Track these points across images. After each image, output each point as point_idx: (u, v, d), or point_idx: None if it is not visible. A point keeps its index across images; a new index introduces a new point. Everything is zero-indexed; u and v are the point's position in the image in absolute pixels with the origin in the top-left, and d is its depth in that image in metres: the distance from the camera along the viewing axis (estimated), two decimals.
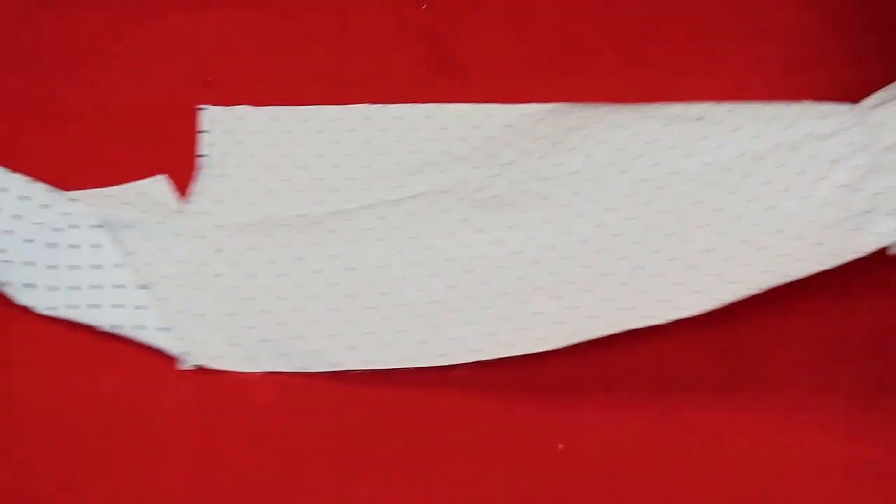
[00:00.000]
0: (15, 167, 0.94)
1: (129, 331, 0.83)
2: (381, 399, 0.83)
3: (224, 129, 0.94)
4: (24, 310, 0.86)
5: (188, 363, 0.83)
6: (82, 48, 1.01)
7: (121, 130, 0.96)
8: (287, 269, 0.86)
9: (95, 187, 0.92)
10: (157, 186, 0.90)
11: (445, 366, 0.83)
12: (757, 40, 1.01)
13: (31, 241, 0.84)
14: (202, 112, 0.94)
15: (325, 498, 0.79)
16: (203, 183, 0.91)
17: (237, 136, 0.93)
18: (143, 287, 0.84)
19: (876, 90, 0.85)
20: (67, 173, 0.93)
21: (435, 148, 0.93)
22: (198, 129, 0.92)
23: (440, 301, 0.85)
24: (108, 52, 1.01)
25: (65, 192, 0.87)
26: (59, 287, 0.84)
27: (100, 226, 0.85)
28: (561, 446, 0.81)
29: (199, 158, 0.92)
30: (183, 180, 0.92)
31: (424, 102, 0.96)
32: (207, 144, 0.93)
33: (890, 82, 0.86)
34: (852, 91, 0.87)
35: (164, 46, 1.01)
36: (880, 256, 0.85)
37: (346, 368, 0.83)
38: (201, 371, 0.84)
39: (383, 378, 0.83)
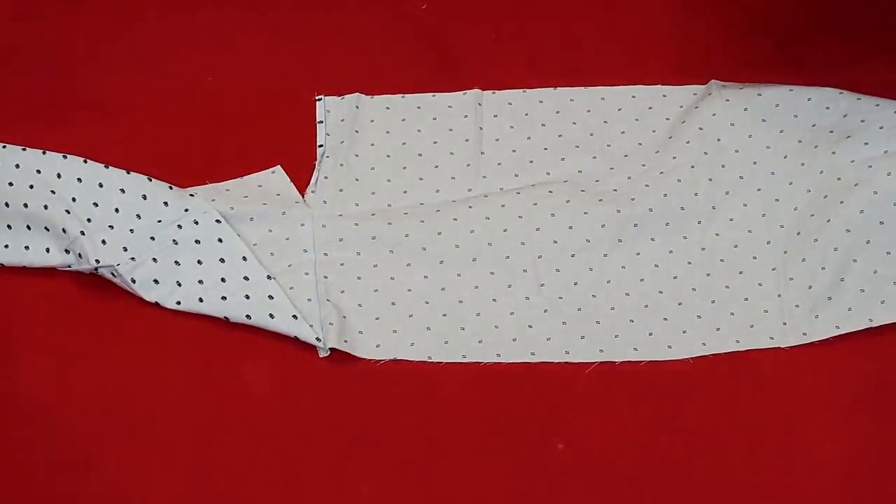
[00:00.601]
0: None
1: (260, 320, 0.84)
2: (381, 399, 0.83)
3: (340, 118, 0.95)
4: (24, 310, 0.86)
5: (322, 349, 0.84)
6: (82, 48, 1.01)
7: (121, 130, 0.96)
8: (411, 259, 0.87)
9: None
10: (275, 178, 0.92)
11: (446, 366, 0.84)
12: (757, 41, 1.01)
13: (154, 238, 0.86)
14: (319, 102, 0.96)
15: (325, 498, 0.79)
16: (322, 172, 0.92)
17: (353, 125, 0.95)
18: (271, 277, 0.85)
19: None
20: None
21: (549, 132, 0.94)
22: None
23: (565, 298, 0.86)
24: (108, 52, 1.01)
25: (183, 189, 0.88)
26: (185, 282, 0.85)
27: (220, 220, 0.86)
28: (561, 446, 0.81)
29: (318, 148, 0.93)
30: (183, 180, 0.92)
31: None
32: (324, 134, 0.94)
33: None
34: None
35: (164, 46, 1.01)
36: None
37: (474, 360, 0.84)
38: (200, 370, 0.84)
39: (383, 378, 0.83)
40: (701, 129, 0.91)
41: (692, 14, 1.00)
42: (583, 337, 0.84)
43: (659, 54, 0.99)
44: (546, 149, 0.93)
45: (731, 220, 0.88)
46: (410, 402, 0.83)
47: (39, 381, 0.84)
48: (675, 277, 0.86)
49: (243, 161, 0.92)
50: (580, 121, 0.94)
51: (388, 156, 0.93)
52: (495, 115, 0.95)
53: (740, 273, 0.86)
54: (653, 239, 0.87)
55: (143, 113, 0.97)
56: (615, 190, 0.89)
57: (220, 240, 0.86)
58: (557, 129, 0.94)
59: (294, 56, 0.99)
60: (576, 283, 0.86)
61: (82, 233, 0.84)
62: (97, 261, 0.83)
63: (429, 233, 0.87)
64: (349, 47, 0.99)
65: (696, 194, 0.88)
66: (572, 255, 0.87)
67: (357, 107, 0.95)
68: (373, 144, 0.93)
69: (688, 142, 0.91)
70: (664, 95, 0.95)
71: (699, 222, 0.88)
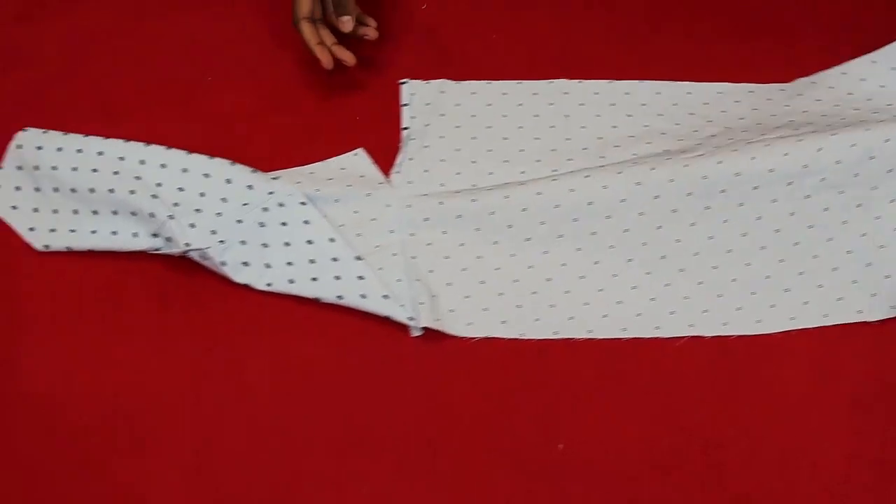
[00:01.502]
0: None
1: (351, 300, 0.85)
2: (380, 399, 0.83)
3: (425, 101, 0.96)
4: (24, 310, 0.86)
5: (414, 329, 0.84)
6: (82, 48, 1.01)
7: (121, 130, 0.96)
8: (497, 237, 0.88)
9: None
10: (358, 160, 0.92)
11: (447, 367, 0.84)
12: (757, 40, 1.01)
13: (241, 221, 0.86)
14: (403, 86, 0.97)
15: (325, 498, 0.79)
16: (407, 154, 0.93)
17: (438, 109, 0.96)
18: (359, 258, 0.85)
19: None
20: None
21: (636, 123, 0.95)
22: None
23: (653, 273, 0.86)
24: (109, 52, 1.01)
25: (266, 173, 0.88)
26: (274, 263, 0.86)
27: (305, 202, 0.87)
28: (561, 446, 0.80)
29: (403, 130, 0.94)
30: None
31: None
32: (409, 117, 0.95)
33: None
34: None
35: (164, 46, 1.01)
36: None
37: (566, 336, 0.84)
38: (202, 370, 0.84)
39: (383, 378, 0.83)
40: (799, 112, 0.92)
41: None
42: (672, 312, 0.85)
43: (658, 54, 0.99)
44: (632, 136, 0.94)
45: (823, 179, 0.86)
46: (410, 403, 0.82)
47: (39, 380, 0.84)
48: (763, 248, 0.86)
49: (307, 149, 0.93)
50: (667, 113, 0.95)
51: (474, 138, 0.94)
52: (581, 104, 0.96)
53: (829, 240, 0.86)
54: (741, 204, 0.86)
55: (144, 113, 0.97)
56: (701, 155, 0.88)
57: (306, 222, 0.86)
58: (644, 119, 0.95)
59: (294, 56, 0.99)
60: (663, 257, 0.86)
61: (170, 217, 0.85)
62: (187, 244, 0.85)
63: (514, 210, 0.88)
64: (349, 47, 0.99)
65: (785, 154, 0.86)
66: (658, 228, 0.87)
67: (442, 91, 0.96)
68: (458, 127, 0.95)
69: (778, 126, 0.91)
70: (751, 91, 0.96)
71: (789, 184, 0.86)
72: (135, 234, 0.87)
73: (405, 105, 0.96)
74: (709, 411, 0.81)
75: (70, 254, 0.89)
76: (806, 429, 0.81)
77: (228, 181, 0.86)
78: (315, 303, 0.86)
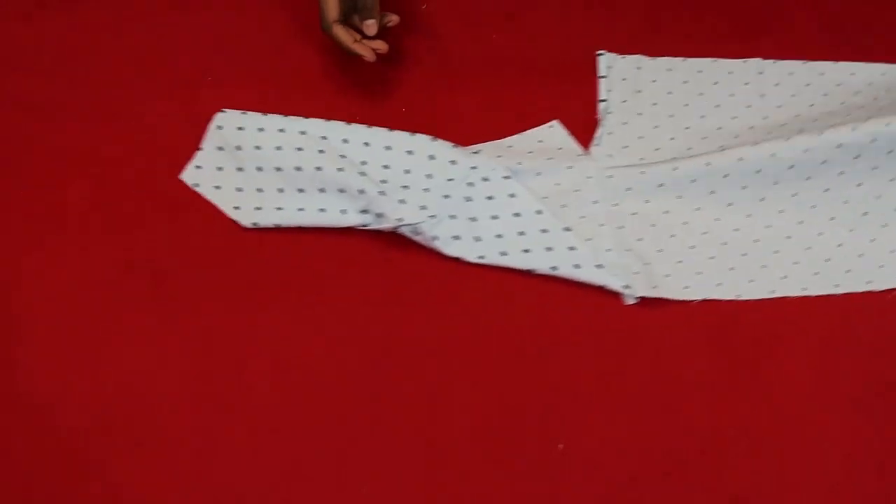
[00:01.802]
0: (15, 166, 0.94)
1: (565, 271, 0.86)
2: (380, 399, 0.83)
3: (622, 77, 0.98)
4: (26, 309, 0.86)
5: (629, 297, 0.86)
6: (82, 48, 1.01)
7: (121, 130, 0.96)
8: (700, 203, 0.90)
9: (97, 184, 0.92)
10: (554, 133, 0.94)
11: (446, 366, 0.84)
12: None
13: (448, 196, 0.88)
14: (600, 58, 0.98)
15: (325, 498, 0.79)
16: (606, 128, 0.94)
17: (635, 85, 0.97)
18: (568, 229, 0.86)
19: None
20: (67, 172, 0.94)
21: (831, 101, 0.96)
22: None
23: (856, 230, 0.88)
24: (109, 52, 1.01)
25: (466, 148, 0.90)
26: (483, 237, 0.87)
27: (509, 176, 0.88)
28: (561, 446, 0.80)
29: (600, 103, 0.96)
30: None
31: (421, 103, 0.96)
32: (606, 90, 0.97)
33: None
34: None
35: (164, 46, 1.01)
36: None
37: (783, 295, 0.86)
38: (202, 370, 0.84)
39: (383, 378, 0.83)
40: None
41: None
42: (881, 266, 0.87)
43: (664, 51, 0.99)
44: (831, 112, 0.95)
45: None
46: (410, 403, 0.82)
47: (39, 380, 0.84)
48: (865, 214, 0.89)
49: None
50: (864, 91, 0.96)
51: (671, 115, 0.96)
52: (776, 84, 0.97)
53: None
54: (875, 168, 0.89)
55: (144, 112, 0.97)
56: (891, 152, 0.89)
57: (511, 195, 0.88)
58: (840, 98, 0.96)
59: (294, 56, 0.99)
60: (865, 214, 0.89)
61: (381, 193, 0.86)
62: (399, 219, 0.86)
63: (716, 177, 0.89)
64: None
65: None
66: (859, 185, 0.89)
67: (639, 67, 0.98)
68: (655, 104, 0.96)
69: None
70: None
71: None
72: (343, 211, 0.88)
73: (602, 77, 0.98)
74: (709, 411, 0.81)
75: (66, 254, 0.89)
76: (806, 429, 0.81)
77: (432, 157, 0.88)
78: (321, 299, 0.86)
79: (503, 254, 0.87)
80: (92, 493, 0.80)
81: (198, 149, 0.93)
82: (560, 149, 0.92)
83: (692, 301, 0.86)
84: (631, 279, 0.86)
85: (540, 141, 0.93)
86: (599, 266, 0.85)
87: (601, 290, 0.86)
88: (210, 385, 0.83)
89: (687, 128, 0.95)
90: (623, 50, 1.00)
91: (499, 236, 0.87)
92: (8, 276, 0.88)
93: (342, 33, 0.92)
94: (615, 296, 0.86)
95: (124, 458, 0.80)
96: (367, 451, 0.81)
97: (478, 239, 0.87)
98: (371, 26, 0.91)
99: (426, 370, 0.84)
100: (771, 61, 0.98)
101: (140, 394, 0.83)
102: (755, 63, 0.98)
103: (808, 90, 0.97)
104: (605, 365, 0.84)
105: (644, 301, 0.86)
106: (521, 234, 0.87)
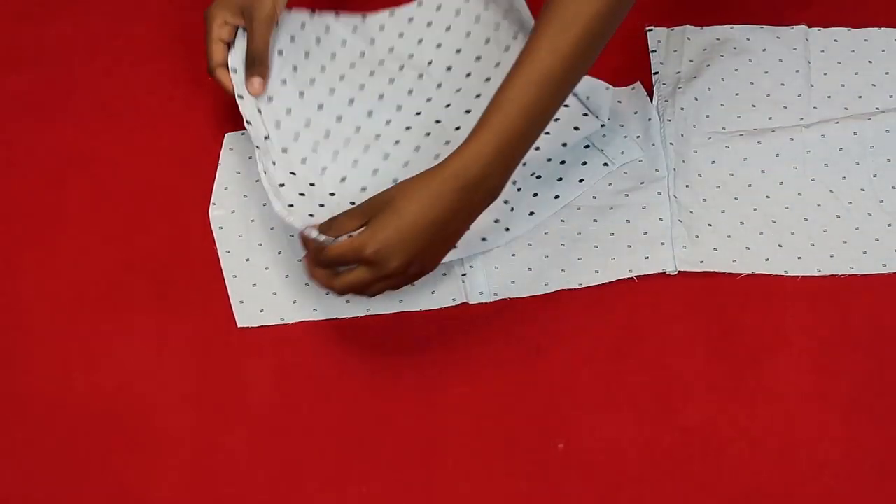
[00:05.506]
0: (15, 166, 0.94)
1: (616, 239, 0.88)
2: (381, 399, 0.83)
3: (672, 48, 0.99)
4: (26, 309, 0.86)
5: (671, 271, 0.86)
6: (82, 48, 1.01)
7: (121, 130, 0.96)
8: (752, 181, 0.91)
9: (94, 185, 0.92)
10: (635, 95, 0.96)
11: (446, 367, 0.84)
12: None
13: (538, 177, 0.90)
14: (649, 33, 1.00)
15: (325, 498, 0.79)
16: (662, 97, 0.95)
17: (686, 55, 0.98)
18: (628, 195, 0.90)
19: None
20: (67, 172, 0.94)
21: (876, 69, 0.96)
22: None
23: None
24: (108, 52, 1.01)
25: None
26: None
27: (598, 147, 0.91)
28: (561, 446, 0.80)
29: (654, 75, 0.97)
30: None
31: None
32: (658, 62, 0.98)
33: None
34: None
35: (163, 46, 1.01)
36: None
37: (829, 273, 0.86)
38: (202, 370, 0.84)
39: (383, 378, 0.83)
40: None
41: None
42: (865, 252, 0.88)
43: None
44: (874, 85, 0.96)
45: None
46: (411, 403, 0.82)
47: (39, 380, 0.84)
48: None
49: None
50: None
51: (723, 79, 0.96)
52: (822, 51, 0.98)
53: None
54: None
55: (144, 112, 0.97)
56: None
57: (584, 163, 0.91)
58: (885, 66, 0.97)
59: None
60: (881, 202, 0.89)
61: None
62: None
63: (766, 156, 0.91)
64: None
65: None
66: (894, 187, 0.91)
67: (688, 38, 0.99)
68: (708, 65, 0.97)
69: None
70: None
71: None
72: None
73: (653, 52, 0.98)
74: (709, 411, 0.81)
75: (69, 253, 0.89)
76: (806, 428, 0.81)
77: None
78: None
79: (563, 220, 0.89)
80: (92, 493, 0.80)
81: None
82: (636, 113, 0.94)
83: (739, 275, 0.86)
84: (678, 253, 0.87)
85: (619, 101, 0.94)
86: (646, 233, 0.88)
87: (601, 290, 0.86)
88: (210, 385, 0.83)
89: (737, 94, 0.95)
90: (622, 49, 1.00)
91: (556, 196, 0.89)
92: (8, 276, 0.88)
93: (225, 79, 0.89)
94: (615, 296, 0.86)
95: (124, 458, 0.81)
96: (367, 451, 0.81)
97: (556, 197, 0.89)
98: (256, 87, 0.88)
99: (426, 369, 0.84)
100: (816, 29, 0.99)
101: (140, 394, 0.83)
102: (800, 29, 0.99)
103: (852, 56, 0.97)
104: (604, 364, 0.84)
105: (644, 300, 0.86)
106: (594, 197, 0.90)
